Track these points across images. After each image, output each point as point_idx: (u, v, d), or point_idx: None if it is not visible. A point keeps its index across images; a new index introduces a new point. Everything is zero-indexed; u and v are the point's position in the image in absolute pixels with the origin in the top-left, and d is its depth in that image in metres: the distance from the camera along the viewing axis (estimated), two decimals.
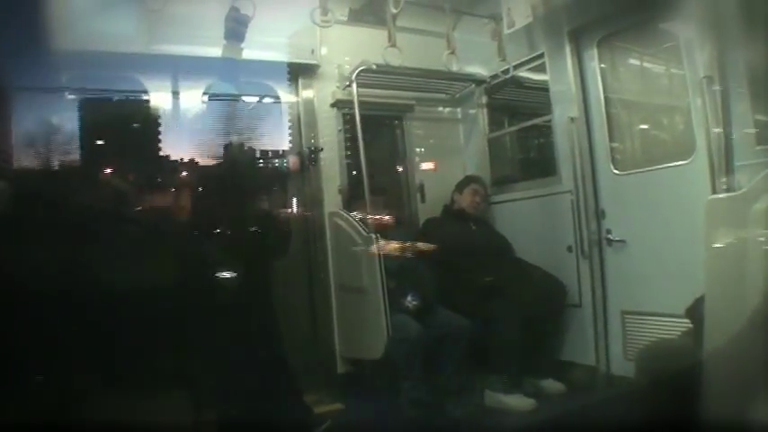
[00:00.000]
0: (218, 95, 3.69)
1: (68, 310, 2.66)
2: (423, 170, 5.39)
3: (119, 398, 2.81)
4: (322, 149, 4.67)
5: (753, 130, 3.26)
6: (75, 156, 3.71)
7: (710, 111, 3.38)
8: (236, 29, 3.59)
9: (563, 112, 4.44)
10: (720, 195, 3.13)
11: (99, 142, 4.00)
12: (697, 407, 2.40)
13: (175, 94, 4.30)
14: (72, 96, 3.87)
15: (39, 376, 2.73)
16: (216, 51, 3.79)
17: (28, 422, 2.53)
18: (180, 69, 4.29)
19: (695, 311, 2.86)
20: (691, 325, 2.97)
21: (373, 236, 4.08)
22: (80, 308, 2.68)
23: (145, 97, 4.25)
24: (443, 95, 5.48)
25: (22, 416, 2.51)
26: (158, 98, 4.27)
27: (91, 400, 2.77)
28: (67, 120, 3.77)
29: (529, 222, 4.82)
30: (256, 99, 4.77)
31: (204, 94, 4.36)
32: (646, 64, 4.30)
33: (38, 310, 2.58)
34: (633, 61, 4.35)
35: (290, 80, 4.75)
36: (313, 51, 4.64)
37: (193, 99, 4.36)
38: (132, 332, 2.82)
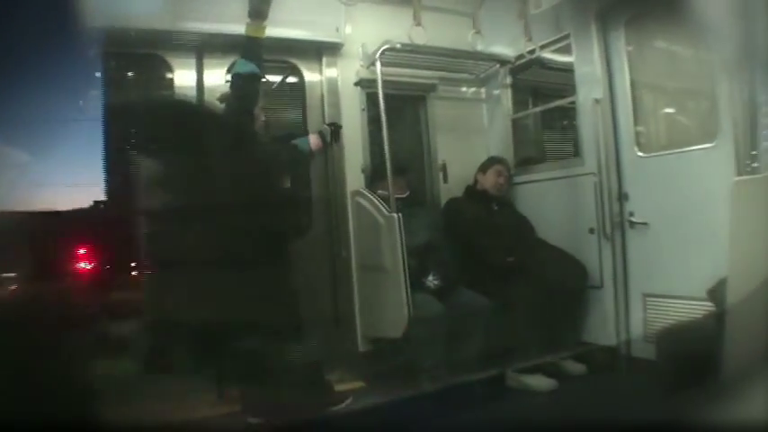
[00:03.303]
0: (241, 73, 3.68)
1: None
2: (445, 150, 5.35)
3: None
4: (341, 127, 4.68)
5: None
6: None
7: (737, 94, 3.35)
8: (259, 6, 3.57)
9: (588, 94, 4.42)
10: (746, 177, 3.11)
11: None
12: (717, 389, 2.41)
13: (199, 71, 4.33)
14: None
15: None
16: (239, 29, 3.78)
17: None
18: (203, 47, 4.31)
19: (717, 293, 2.86)
20: (712, 307, 2.97)
21: (395, 215, 4.09)
22: None
23: (168, 75, 4.29)
24: (468, 75, 5.43)
25: None
26: (181, 76, 4.31)
27: None
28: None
29: (551, 204, 4.81)
30: (279, 77, 4.77)
31: (228, 72, 4.36)
32: (672, 46, 4.24)
33: None
34: (660, 43, 4.30)
35: (313, 58, 4.76)
36: (337, 29, 4.62)
37: (216, 77, 4.39)
38: None
